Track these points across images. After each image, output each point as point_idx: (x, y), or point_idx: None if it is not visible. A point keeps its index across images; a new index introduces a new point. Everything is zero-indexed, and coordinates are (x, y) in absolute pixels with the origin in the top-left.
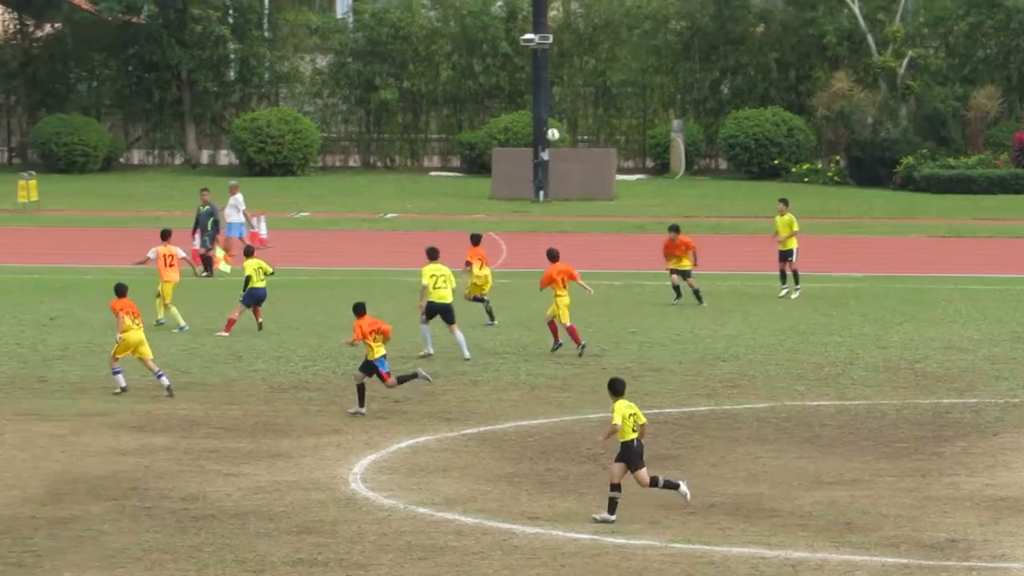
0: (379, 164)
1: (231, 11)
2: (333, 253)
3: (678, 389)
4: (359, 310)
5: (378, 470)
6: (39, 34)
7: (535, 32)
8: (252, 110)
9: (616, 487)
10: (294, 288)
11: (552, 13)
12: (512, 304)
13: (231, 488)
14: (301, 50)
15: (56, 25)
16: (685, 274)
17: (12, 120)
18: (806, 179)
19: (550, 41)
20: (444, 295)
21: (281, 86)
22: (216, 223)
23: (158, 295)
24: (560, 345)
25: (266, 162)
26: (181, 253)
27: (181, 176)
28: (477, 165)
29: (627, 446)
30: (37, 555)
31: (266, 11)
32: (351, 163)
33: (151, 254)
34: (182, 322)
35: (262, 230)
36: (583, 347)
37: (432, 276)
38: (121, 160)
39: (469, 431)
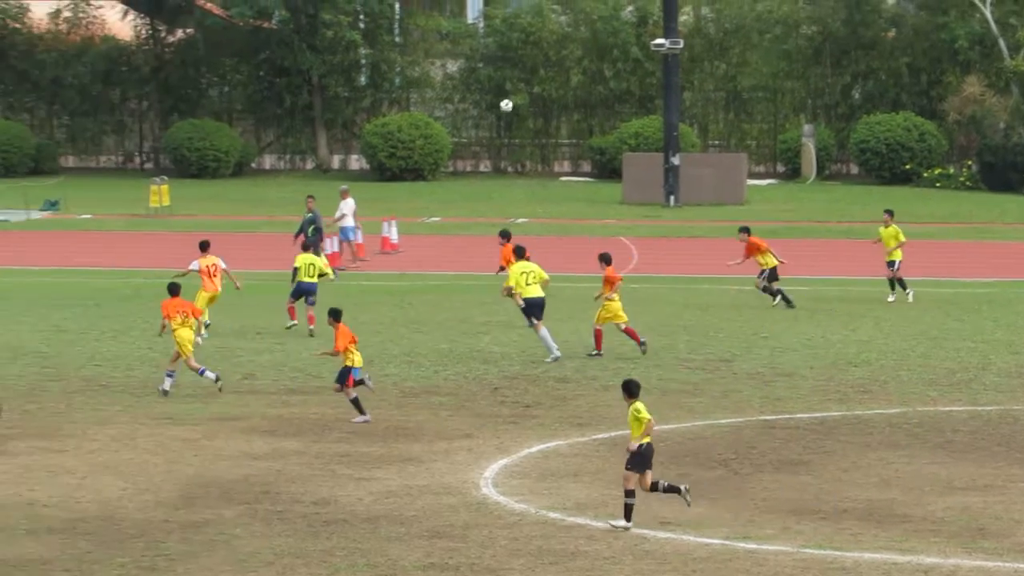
0: (510, 169)
1: (362, 16)
2: (464, 258)
3: (810, 394)
4: (337, 316)
5: (509, 475)
6: (171, 39)
7: (666, 37)
8: (383, 115)
9: (630, 493)
10: (425, 292)
11: (683, 18)
12: (643, 309)
13: (362, 492)
14: (432, 55)
15: (188, 30)
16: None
17: (144, 125)
18: (938, 184)
19: (681, 46)
20: (536, 291)
21: (412, 91)
22: (318, 230)
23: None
24: (600, 355)
25: (397, 167)
26: (223, 263)
27: (312, 181)
28: (608, 170)
29: (638, 449)
30: (170, 559)
31: (397, 16)
32: (482, 168)
33: (194, 265)
34: (203, 331)
35: (393, 235)
36: (598, 350)
37: (523, 274)
38: (252, 165)
39: (600, 436)
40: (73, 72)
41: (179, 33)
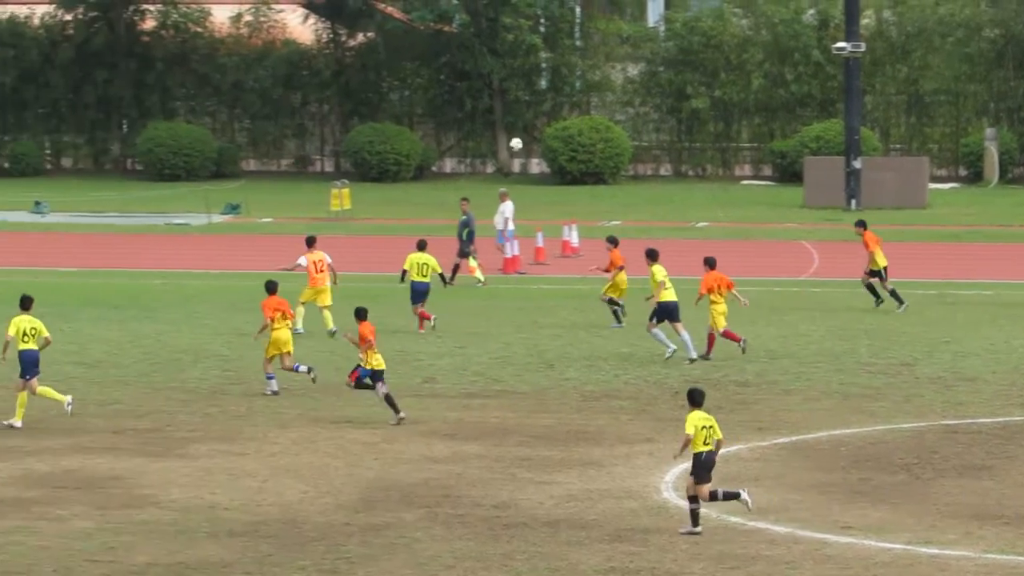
0: (690, 173)
1: (543, 20)
2: (644, 262)
3: (992, 399)
4: (362, 314)
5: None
6: (351, 43)
7: (847, 40)
8: (564, 119)
9: (693, 499)
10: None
11: (864, 21)
12: (824, 313)
13: (543, 496)
14: (612, 59)
15: (368, 34)
16: (877, 274)
17: (325, 129)
18: None
19: (862, 49)
20: (672, 294)
21: (592, 95)
22: (471, 233)
23: (301, 303)
24: (708, 357)
25: (577, 171)
26: (329, 259)
27: (493, 185)
28: (789, 174)
29: (696, 458)
30: (350, 562)
31: (578, 20)
32: (662, 172)
33: (301, 261)
34: (300, 325)
35: (573, 239)
36: (743, 343)
37: (664, 276)
38: (433, 169)
39: (781, 440)
40: (254, 76)
41: (360, 37)
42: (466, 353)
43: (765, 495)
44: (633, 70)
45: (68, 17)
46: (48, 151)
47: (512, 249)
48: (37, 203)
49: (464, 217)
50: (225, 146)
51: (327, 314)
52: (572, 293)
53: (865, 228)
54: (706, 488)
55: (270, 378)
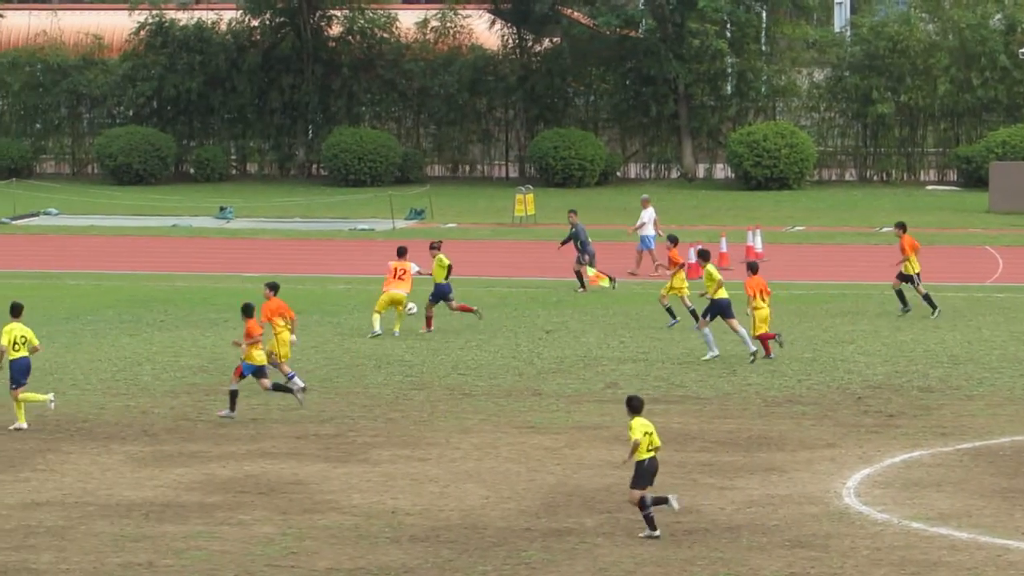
0: (875, 178)
1: (729, 25)
2: (828, 268)
3: None
4: (248, 311)
5: (872, 484)
6: (537, 49)
7: None
8: (748, 124)
9: (646, 503)
10: (789, 302)
11: None
12: (1008, 319)
13: (724, 501)
14: (798, 64)
15: (554, 40)
16: (909, 279)
17: (510, 134)
18: None
19: None
20: (725, 292)
21: (777, 100)
22: (584, 244)
23: (377, 311)
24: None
25: (762, 176)
26: (415, 268)
27: (677, 190)
28: (974, 179)
29: (639, 465)
30: (531, 567)
31: (763, 25)
32: (847, 177)
33: (413, 267)
34: (377, 327)
35: (757, 244)
36: (768, 355)
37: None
38: (618, 174)
39: (964, 446)
40: (440, 81)
41: (545, 42)
42: (648, 358)
43: (947, 500)
44: (819, 75)
45: (255, 23)
46: (234, 156)
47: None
48: (222, 208)
49: (573, 229)
50: (410, 151)
51: (375, 318)
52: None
53: (904, 231)
54: (639, 494)
55: (291, 377)
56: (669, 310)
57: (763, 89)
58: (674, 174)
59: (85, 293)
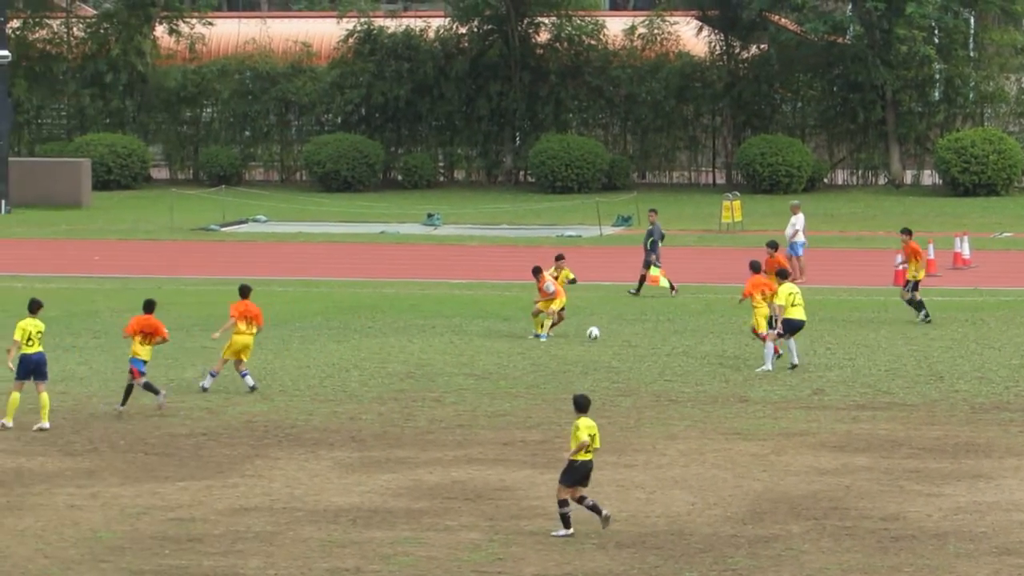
0: None
1: (936, 31)
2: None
3: None
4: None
5: None
6: (745, 55)
7: None
8: (956, 130)
9: (566, 503)
10: (998, 309)
11: None
12: None
13: (931, 509)
14: (1007, 70)
15: (761, 46)
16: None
17: (717, 141)
18: None
19: None
20: (800, 313)
21: (985, 106)
22: (654, 243)
23: (535, 314)
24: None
25: (970, 182)
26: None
27: (884, 197)
28: None
29: (572, 464)
30: (738, 573)
31: (971, 31)
32: None
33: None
34: (539, 331)
35: (965, 250)
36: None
37: (789, 295)
38: (825, 180)
39: None
40: (647, 88)
41: (752, 49)
42: (855, 365)
43: None
44: None
45: (463, 30)
46: (441, 163)
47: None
48: (429, 215)
49: (650, 227)
50: (617, 158)
51: (536, 320)
52: (964, 305)
53: (910, 237)
54: (566, 492)
55: (212, 375)
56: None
57: (971, 95)
58: (881, 180)
59: (293, 299)
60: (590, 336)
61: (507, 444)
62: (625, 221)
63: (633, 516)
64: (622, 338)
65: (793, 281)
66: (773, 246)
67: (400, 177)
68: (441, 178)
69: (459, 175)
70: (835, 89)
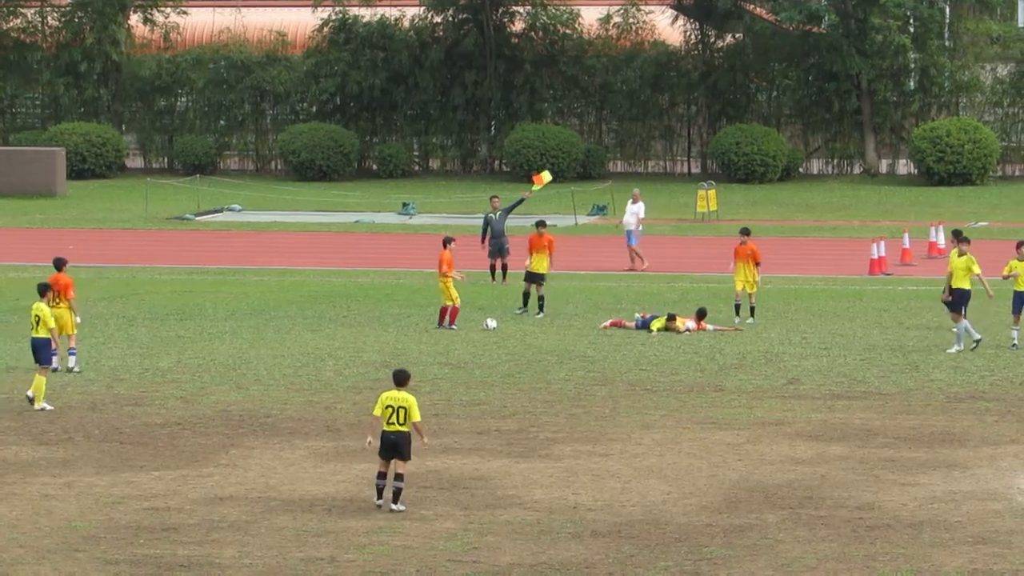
0: None
1: (912, 20)
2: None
3: None
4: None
5: None
6: (720, 44)
7: None
8: (932, 120)
9: (380, 475)
10: (974, 298)
11: None
12: None
13: (907, 498)
14: (982, 59)
15: (737, 35)
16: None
17: (692, 130)
18: None
19: None
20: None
21: (961, 95)
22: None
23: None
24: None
25: (945, 171)
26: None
27: (859, 186)
28: None
29: (384, 437)
30: (712, 563)
31: (947, 20)
32: None
33: None
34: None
35: (940, 240)
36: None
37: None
38: (800, 170)
39: None
40: (622, 77)
41: (728, 38)
42: (831, 354)
43: None
44: (1003, 70)
45: (438, 19)
46: (416, 153)
47: (880, 250)
48: (405, 204)
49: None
50: (592, 147)
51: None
52: (938, 294)
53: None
54: (379, 466)
55: (71, 353)
56: None
57: (946, 84)
58: (856, 170)
59: (268, 289)
60: (487, 327)
61: (482, 433)
62: (600, 210)
63: (608, 505)
64: (597, 326)
65: (631, 271)
66: (746, 232)
67: (375, 166)
68: (416, 167)
69: (434, 164)
70: (810, 78)
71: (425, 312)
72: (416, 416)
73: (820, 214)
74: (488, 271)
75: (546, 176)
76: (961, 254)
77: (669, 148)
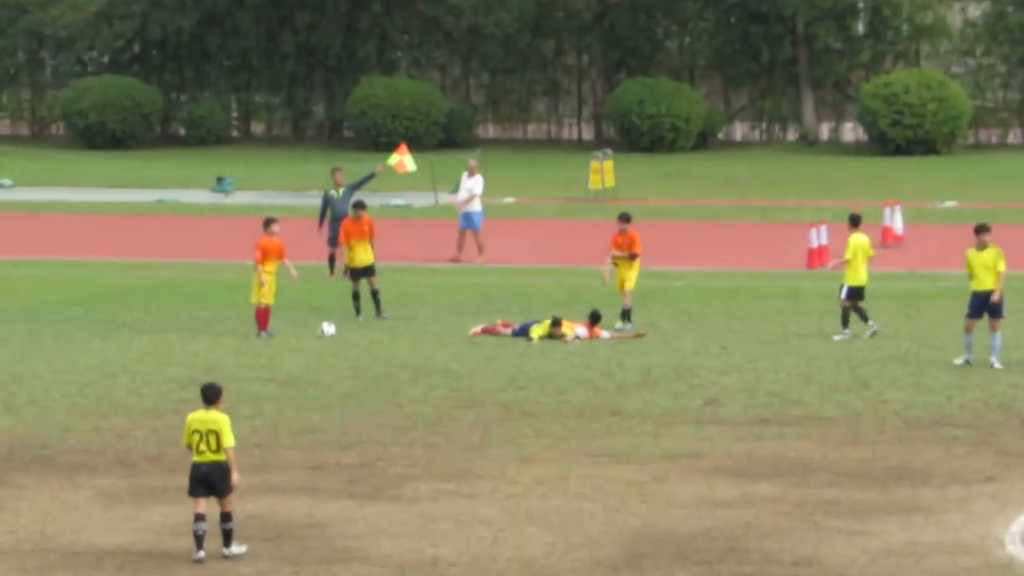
0: None
1: None
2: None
3: None
4: None
5: None
6: None
7: None
8: (885, 72)
9: (198, 517)
10: (936, 297)
11: None
12: None
13: (855, 551)
14: None
15: None
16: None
17: (584, 86)
18: None
19: None
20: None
21: (922, 42)
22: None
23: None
24: None
25: (902, 138)
26: None
27: (795, 156)
28: None
29: (194, 470)
30: None
31: None
32: (1010, 140)
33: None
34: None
35: (896, 224)
36: None
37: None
38: (719, 136)
39: None
40: (495, 19)
41: None
42: (758, 368)
43: None
44: (975, 10)
45: None
46: (235, 114)
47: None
48: (220, 179)
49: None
50: (457, 108)
51: None
52: (896, 292)
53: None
54: (199, 505)
55: None
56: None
57: (904, 29)
58: (791, 136)
59: (46, 285)
60: (323, 334)
61: (317, 469)
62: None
63: (476, 560)
64: (462, 334)
65: (467, 262)
66: (626, 218)
67: (183, 131)
68: (235, 133)
69: (257, 129)
70: (733, 20)
71: (246, 314)
72: (229, 441)
73: (745, 191)
74: (327, 263)
75: (410, 162)
76: (982, 247)
77: (555, 108)
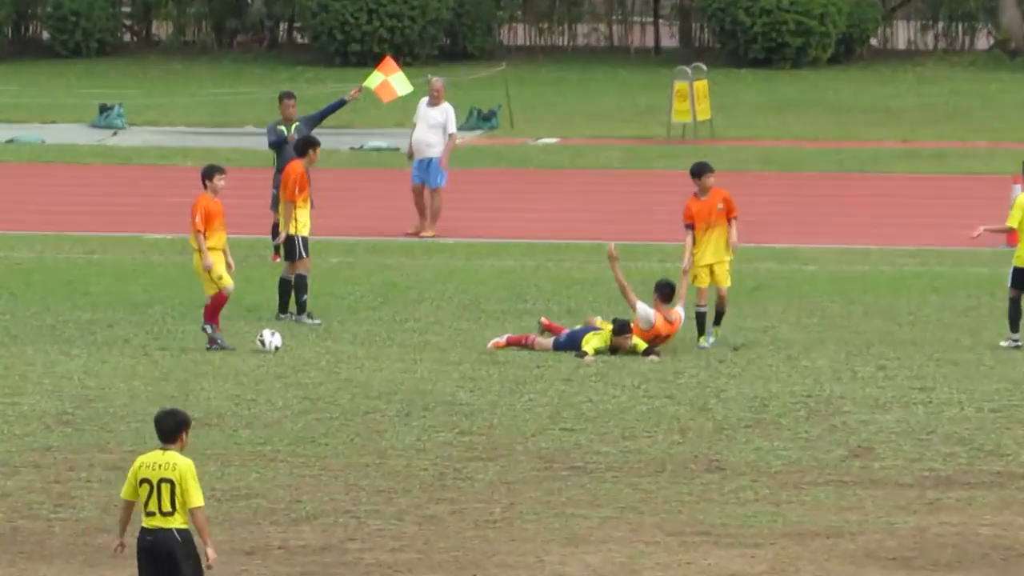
0: None
1: None
2: None
3: None
4: None
5: None
6: None
7: None
8: None
9: None
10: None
11: None
12: None
13: None
14: None
15: None
16: None
17: None
18: None
19: None
20: None
21: None
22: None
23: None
24: None
25: None
26: None
27: (988, 74)
28: None
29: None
30: None
31: None
32: None
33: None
34: None
35: None
36: None
37: None
38: (872, 43)
39: None
40: None
41: None
42: (933, 400)
43: None
44: None
45: None
46: (127, 8)
47: None
48: (105, 109)
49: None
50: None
51: None
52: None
53: None
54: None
55: None
56: None
57: None
58: (982, 43)
59: None
60: (264, 346)
61: (252, 553)
62: (485, 120)
63: None
64: (477, 347)
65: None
66: (704, 169)
67: (46, 36)
68: (128, 38)
69: (161, 32)
70: None
71: (142, 317)
72: (195, 499)
73: (912, 128)
74: (270, 236)
75: (401, 83)
76: None
77: (614, 3)
